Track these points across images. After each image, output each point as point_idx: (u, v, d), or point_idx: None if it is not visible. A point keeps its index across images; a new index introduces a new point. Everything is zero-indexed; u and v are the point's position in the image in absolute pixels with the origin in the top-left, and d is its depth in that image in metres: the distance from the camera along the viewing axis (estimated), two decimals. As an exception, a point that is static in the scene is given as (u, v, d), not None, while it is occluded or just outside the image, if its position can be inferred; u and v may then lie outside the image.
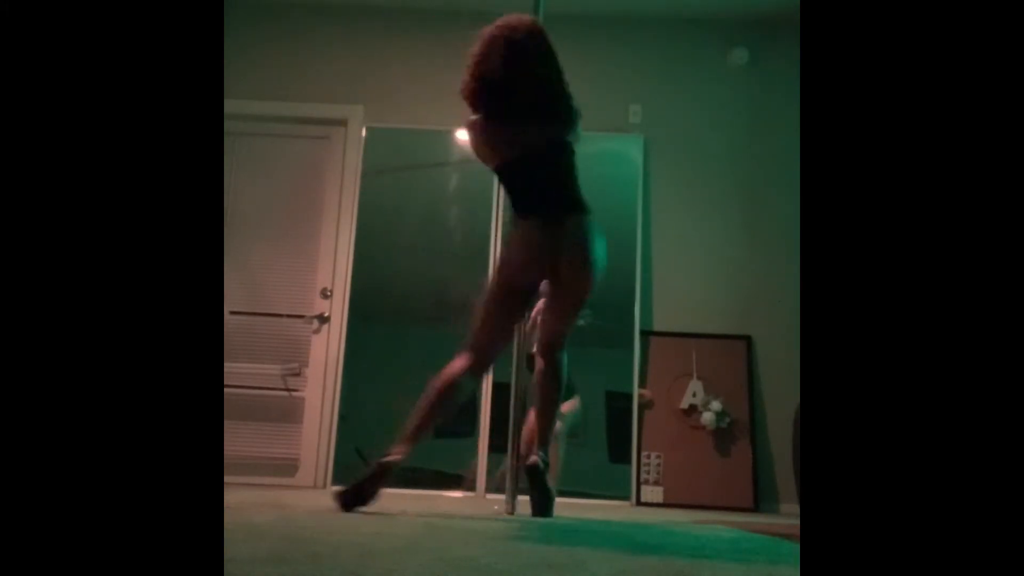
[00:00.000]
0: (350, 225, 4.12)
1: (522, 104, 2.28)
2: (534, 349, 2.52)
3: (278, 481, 3.88)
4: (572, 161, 2.37)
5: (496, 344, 2.39)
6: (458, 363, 2.27)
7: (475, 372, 2.32)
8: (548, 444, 2.40)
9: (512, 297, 2.36)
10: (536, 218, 2.32)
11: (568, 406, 3.47)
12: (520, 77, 2.25)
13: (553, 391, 2.42)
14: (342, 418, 3.90)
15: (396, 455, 2.13)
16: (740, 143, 4.26)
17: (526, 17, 2.35)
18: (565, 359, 2.44)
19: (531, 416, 2.54)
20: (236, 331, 4.00)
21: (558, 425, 2.68)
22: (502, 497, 2.53)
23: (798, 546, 1.55)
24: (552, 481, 2.42)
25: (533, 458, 2.34)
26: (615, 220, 4.09)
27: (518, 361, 2.49)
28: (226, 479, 3.66)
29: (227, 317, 4.00)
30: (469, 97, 2.32)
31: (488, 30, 2.30)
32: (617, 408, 3.93)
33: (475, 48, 2.30)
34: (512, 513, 2.36)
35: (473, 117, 2.33)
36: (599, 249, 2.32)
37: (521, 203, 2.36)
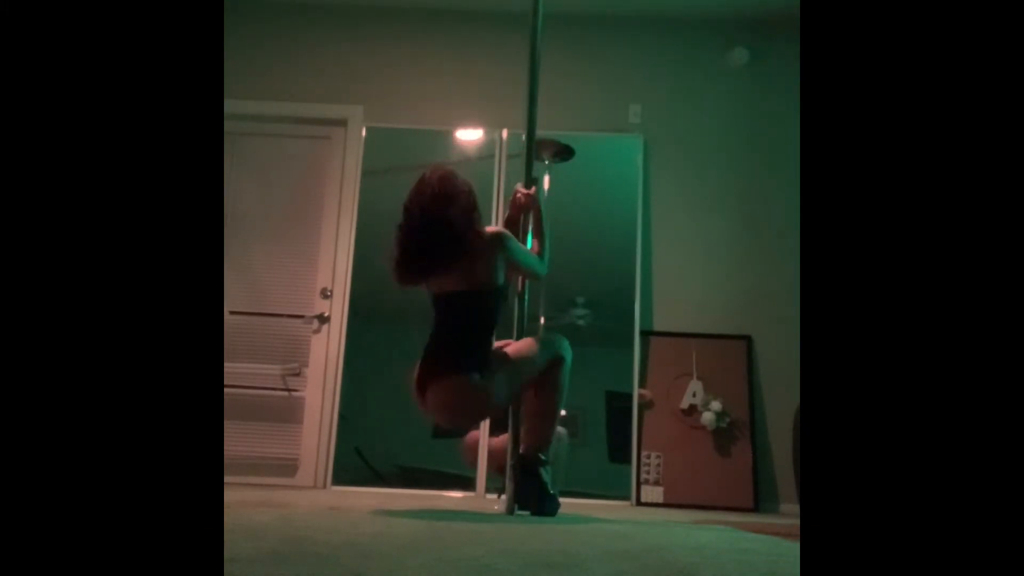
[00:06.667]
0: (350, 225, 4.12)
1: (432, 250, 2.30)
2: None
3: (278, 481, 3.88)
4: (477, 315, 2.32)
5: None
6: None
7: None
8: (546, 446, 2.39)
9: None
10: (421, 362, 2.32)
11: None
12: (428, 226, 2.28)
13: (545, 391, 2.39)
14: (342, 418, 3.89)
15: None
16: (740, 143, 4.26)
17: (433, 170, 2.35)
18: (565, 368, 2.42)
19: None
20: (236, 331, 4.00)
21: (559, 430, 2.67)
22: (503, 496, 2.53)
23: (798, 546, 1.55)
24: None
25: (526, 451, 2.35)
26: (615, 220, 4.09)
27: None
28: (226, 479, 3.66)
29: (227, 317, 4.00)
30: (390, 264, 2.38)
31: None
32: (617, 408, 3.92)
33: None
34: (512, 513, 2.36)
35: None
36: (493, 383, 2.27)
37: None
